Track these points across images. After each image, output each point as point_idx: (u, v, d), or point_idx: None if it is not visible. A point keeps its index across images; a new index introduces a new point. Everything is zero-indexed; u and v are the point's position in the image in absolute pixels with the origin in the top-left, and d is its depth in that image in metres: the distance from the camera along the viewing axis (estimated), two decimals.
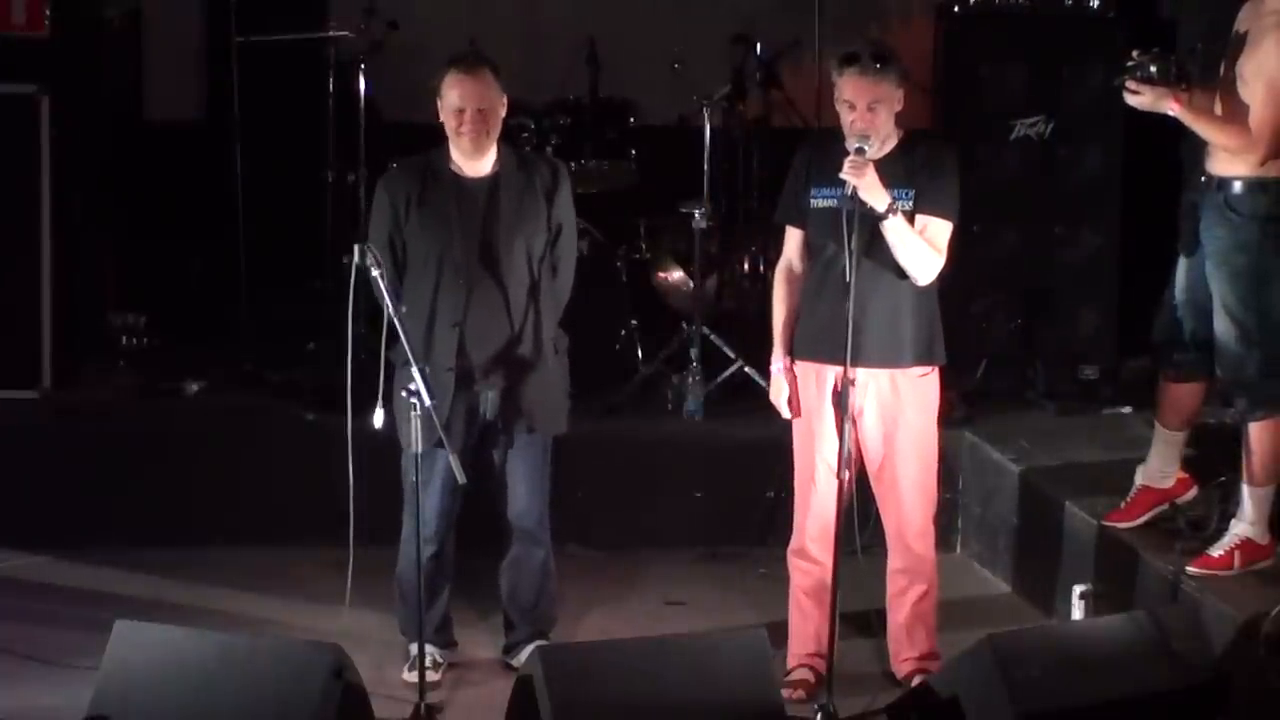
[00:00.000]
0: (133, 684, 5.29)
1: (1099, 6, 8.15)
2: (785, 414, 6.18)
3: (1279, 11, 5.93)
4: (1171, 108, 5.95)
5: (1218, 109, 6.08)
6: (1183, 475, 6.52)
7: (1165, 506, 6.49)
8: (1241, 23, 6.08)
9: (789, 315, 6.14)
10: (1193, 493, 6.52)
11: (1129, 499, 6.55)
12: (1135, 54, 6.01)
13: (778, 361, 6.17)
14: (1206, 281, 6.14)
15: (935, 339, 6.10)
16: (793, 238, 6.17)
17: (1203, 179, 6.14)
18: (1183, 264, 6.27)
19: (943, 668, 5.97)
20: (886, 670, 6.30)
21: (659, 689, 5.37)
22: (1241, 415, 6.15)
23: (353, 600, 5.96)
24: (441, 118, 6.11)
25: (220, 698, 5.26)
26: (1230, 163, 6.03)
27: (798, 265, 6.16)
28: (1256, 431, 6.12)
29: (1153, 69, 5.96)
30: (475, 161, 6.14)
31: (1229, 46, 6.09)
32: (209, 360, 8.29)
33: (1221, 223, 6.05)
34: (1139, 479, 6.54)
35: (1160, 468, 6.50)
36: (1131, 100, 6.00)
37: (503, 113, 6.15)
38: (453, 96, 6.07)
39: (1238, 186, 6.02)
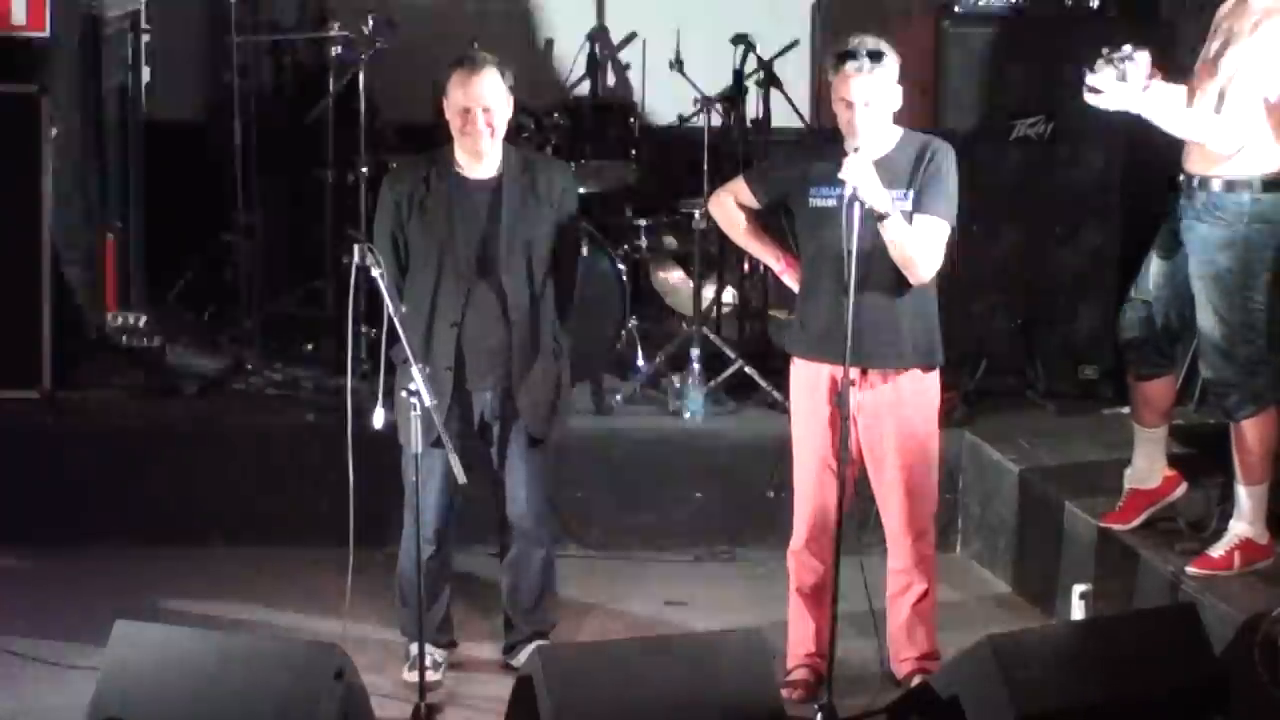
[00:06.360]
0: (133, 684, 5.29)
1: (1099, 6, 8.14)
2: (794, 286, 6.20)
3: (1264, 10, 5.92)
4: (1137, 106, 5.91)
5: (1199, 104, 6.04)
6: (1170, 473, 6.49)
7: (1158, 506, 6.49)
8: (1222, 20, 6.07)
9: (756, 221, 6.20)
10: (1181, 489, 6.49)
11: (1121, 502, 6.54)
12: (1105, 52, 5.97)
13: (778, 261, 6.21)
14: (1181, 278, 6.13)
15: (935, 339, 6.11)
16: (744, 191, 6.21)
17: (1180, 178, 6.12)
18: (1155, 262, 6.26)
19: (943, 668, 5.97)
20: (886, 670, 6.29)
21: (659, 689, 5.37)
22: (1229, 413, 6.14)
23: (353, 600, 5.96)
24: (447, 117, 6.12)
25: (220, 698, 5.26)
26: (1207, 161, 6.01)
27: (742, 205, 6.21)
28: (1246, 429, 6.10)
29: (1123, 67, 5.92)
30: (479, 162, 6.14)
31: (1207, 43, 6.08)
32: (209, 360, 8.28)
33: (1205, 222, 6.04)
34: (1127, 482, 6.53)
35: (1146, 467, 6.48)
36: (1092, 99, 5.95)
37: (508, 114, 6.15)
38: (457, 96, 6.07)
39: (1218, 185, 6.01)
